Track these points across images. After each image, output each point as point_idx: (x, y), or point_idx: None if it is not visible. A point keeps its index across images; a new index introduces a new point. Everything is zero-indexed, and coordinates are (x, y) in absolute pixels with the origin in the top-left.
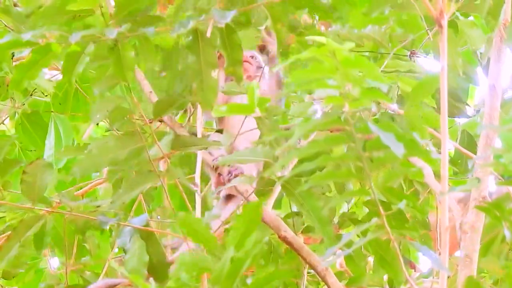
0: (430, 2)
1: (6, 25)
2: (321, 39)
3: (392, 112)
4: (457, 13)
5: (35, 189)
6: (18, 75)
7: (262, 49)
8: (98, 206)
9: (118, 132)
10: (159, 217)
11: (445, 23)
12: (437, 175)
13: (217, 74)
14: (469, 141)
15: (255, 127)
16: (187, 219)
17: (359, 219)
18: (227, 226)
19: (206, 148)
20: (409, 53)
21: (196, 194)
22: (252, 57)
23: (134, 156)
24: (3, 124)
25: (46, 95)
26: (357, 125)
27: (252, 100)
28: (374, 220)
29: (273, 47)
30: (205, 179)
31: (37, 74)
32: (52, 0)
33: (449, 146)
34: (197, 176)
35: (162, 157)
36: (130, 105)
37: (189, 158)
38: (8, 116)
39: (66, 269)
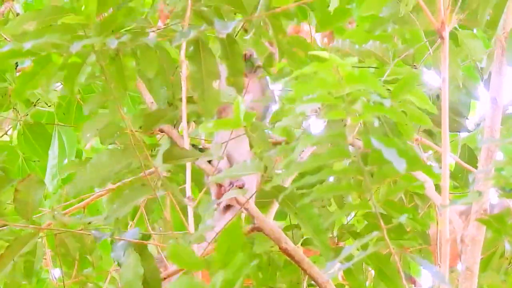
0: (432, 14)
1: (5, 38)
2: (324, 54)
3: None
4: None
5: (28, 207)
6: (20, 85)
7: (247, 57)
8: (89, 223)
9: (119, 145)
10: (161, 228)
11: (446, 34)
12: (438, 188)
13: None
14: (470, 155)
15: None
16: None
17: (358, 231)
18: None
19: (197, 159)
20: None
21: (188, 207)
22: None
23: (128, 171)
24: (7, 134)
25: (50, 106)
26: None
27: (238, 115)
28: (375, 233)
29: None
30: (199, 185)
31: (39, 85)
32: (43, 16)
33: (450, 160)
34: (188, 186)
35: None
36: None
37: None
38: (11, 127)
39: (63, 283)
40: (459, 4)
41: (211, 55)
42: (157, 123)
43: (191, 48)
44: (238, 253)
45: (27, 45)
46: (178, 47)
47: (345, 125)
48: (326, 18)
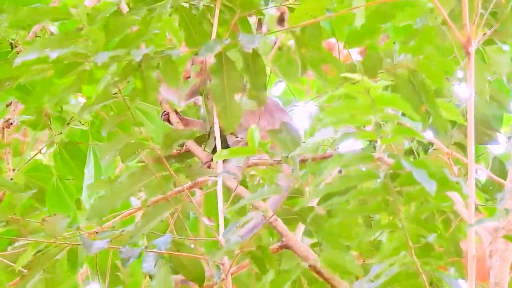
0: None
1: None
2: (356, 76)
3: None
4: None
5: (56, 229)
6: (39, 91)
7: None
8: (123, 231)
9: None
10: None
11: (472, 50)
12: None
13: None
14: (501, 168)
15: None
16: None
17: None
18: None
19: (216, 177)
20: None
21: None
22: None
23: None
24: (41, 153)
25: (83, 124)
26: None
27: (252, 142)
28: (403, 253)
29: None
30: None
31: (57, 92)
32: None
33: (481, 174)
34: (220, 202)
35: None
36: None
37: None
38: (45, 145)
39: None
40: (484, 19)
41: (234, 69)
42: (176, 140)
43: (214, 61)
44: None
45: (53, 54)
46: None
47: (374, 147)
48: (353, 35)
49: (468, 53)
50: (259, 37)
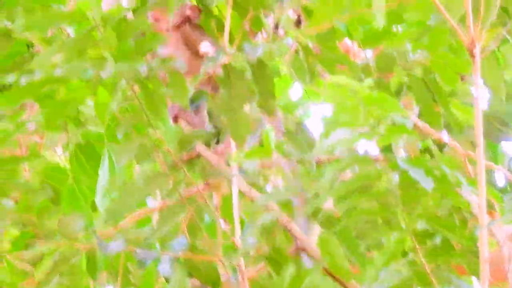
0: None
1: None
2: (341, 79)
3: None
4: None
5: (71, 231)
6: (52, 113)
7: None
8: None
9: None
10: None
11: (477, 52)
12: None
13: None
14: None
15: None
16: None
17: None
18: None
19: (231, 178)
20: None
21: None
22: None
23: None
24: (57, 155)
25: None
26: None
27: (268, 143)
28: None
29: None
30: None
31: (71, 112)
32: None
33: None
34: (235, 203)
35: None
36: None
37: None
38: (61, 147)
39: None
40: (489, 20)
41: (241, 79)
42: (191, 143)
43: (221, 71)
44: None
45: (57, 72)
46: None
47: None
48: (369, 35)
49: (472, 56)
50: (263, 46)
